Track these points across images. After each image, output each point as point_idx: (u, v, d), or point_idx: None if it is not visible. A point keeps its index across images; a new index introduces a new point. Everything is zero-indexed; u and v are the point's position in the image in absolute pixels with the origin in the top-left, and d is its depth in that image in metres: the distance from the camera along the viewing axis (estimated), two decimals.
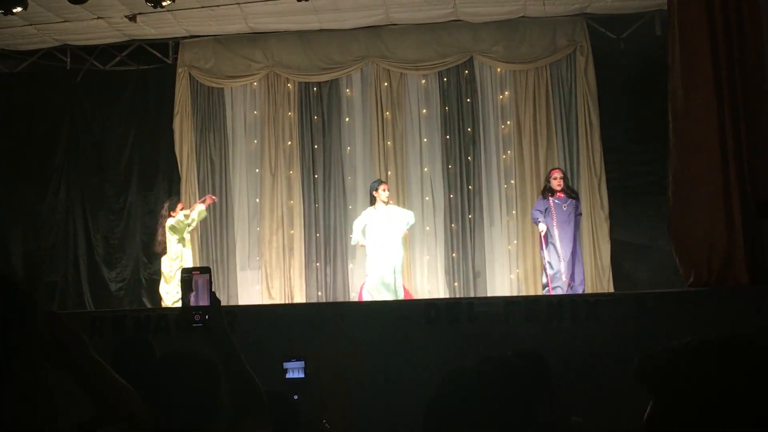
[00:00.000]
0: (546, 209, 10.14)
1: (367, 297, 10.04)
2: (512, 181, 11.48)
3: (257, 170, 11.93)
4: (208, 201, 10.91)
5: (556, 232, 10.01)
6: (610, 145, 11.27)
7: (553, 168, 10.72)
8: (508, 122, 11.57)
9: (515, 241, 11.39)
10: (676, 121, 8.13)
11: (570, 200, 10.14)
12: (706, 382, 1.51)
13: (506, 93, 11.63)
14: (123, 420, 1.97)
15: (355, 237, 10.28)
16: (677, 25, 8.05)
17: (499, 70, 11.67)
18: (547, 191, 10.23)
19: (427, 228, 11.56)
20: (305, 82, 11.95)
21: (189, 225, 10.58)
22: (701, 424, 1.48)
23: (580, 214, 10.35)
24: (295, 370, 3.99)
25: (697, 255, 8.00)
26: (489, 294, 11.34)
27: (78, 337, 1.89)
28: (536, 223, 10.24)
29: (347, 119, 11.92)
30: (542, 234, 10.07)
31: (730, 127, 7.81)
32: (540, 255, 10.59)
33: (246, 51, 11.94)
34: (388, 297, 9.80)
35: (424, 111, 11.76)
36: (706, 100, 7.86)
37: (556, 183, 10.17)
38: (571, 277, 9.92)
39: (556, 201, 10.09)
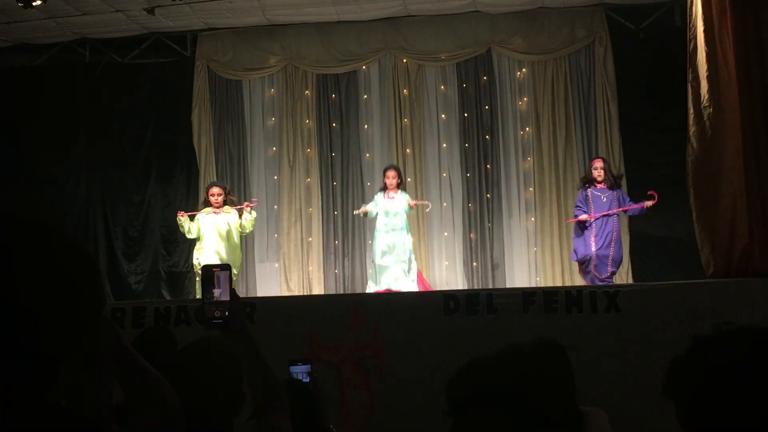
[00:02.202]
0: (585, 199, 9.81)
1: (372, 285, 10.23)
2: (529, 158, 11.48)
3: (274, 148, 11.94)
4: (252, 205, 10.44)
5: (592, 223, 9.69)
6: (629, 136, 11.21)
7: (595, 157, 10.45)
8: (525, 101, 11.53)
9: (533, 219, 11.37)
10: (697, 110, 8.10)
11: (610, 192, 9.74)
12: (729, 374, 1.50)
13: (524, 82, 11.59)
14: (155, 408, 1.99)
15: (366, 208, 10.43)
16: (701, 14, 8.01)
17: (518, 74, 11.62)
18: (587, 181, 9.91)
19: (444, 204, 11.57)
20: (323, 74, 11.96)
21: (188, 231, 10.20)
22: (730, 415, 1.48)
23: (632, 202, 9.80)
24: (300, 375, 3.99)
25: (718, 245, 7.98)
26: (507, 274, 11.38)
27: (110, 324, 1.91)
28: (578, 216, 9.91)
29: (365, 96, 11.94)
30: (580, 219, 9.78)
31: (751, 116, 7.77)
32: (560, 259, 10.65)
33: (264, 43, 11.95)
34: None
35: (442, 87, 11.75)
36: (728, 90, 7.83)
37: (597, 173, 9.79)
38: (607, 272, 9.57)
39: (596, 192, 9.77)
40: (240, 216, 10.16)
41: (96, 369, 1.62)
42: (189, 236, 10.18)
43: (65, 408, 1.34)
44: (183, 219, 10.07)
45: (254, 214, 10.29)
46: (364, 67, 11.90)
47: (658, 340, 6.97)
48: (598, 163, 9.94)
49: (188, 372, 2.67)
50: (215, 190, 10.18)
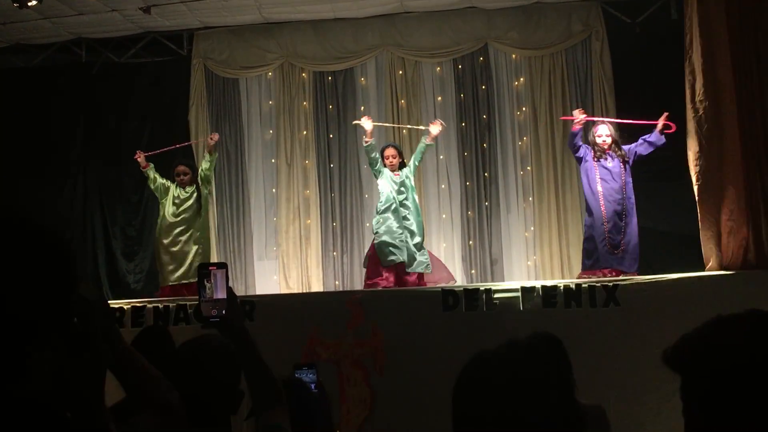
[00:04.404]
0: (587, 166, 8.86)
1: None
2: (528, 168, 11.38)
3: (273, 160, 11.90)
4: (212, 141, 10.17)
5: (600, 194, 8.72)
6: (627, 130, 11.19)
7: (597, 123, 9.21)
8: (524, 108, 11.49)
9: (532, 228, 11.32)
10: (694, 104, 8.10)
11: (616, 160, 8.79)
12: (730, 356, 1.50)
13: (521, 79, 11.55)
14: (156, 407, 1.98)
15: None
16: (696, 7, 8.01)
17: (514, 56, 11.60)
18: (593, 148, 8.88)
19: (444, 216, 11.52)
20: (320, 72, 11.93)
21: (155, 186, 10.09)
22: (731, 397, 1.47)
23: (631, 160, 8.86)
24: (306, 380, 3.95)
25: (718, 238, 7.99)
26: (504, 254, 11.31)
27: (108, 311, 1.90)
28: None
29: (362, 79, 11.89)
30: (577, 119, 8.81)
31: (749, 108, 7.77)
32: (558, 240, 10.55)
33: (260, 41, 11.93)
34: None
35: (439, 98, 11.70)
36: (725, 82, 7.83)
37: (602, 141, 8.82)
38: (621, 247, 8.70)
39: (599, 160, 8.83)
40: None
41: (83, 356, 1.60)
42: (151, 185, 10.15)
43: (34, 400, 1.31)
44: (141, 159, 10.07)
45: (215, 154, 10.19)
46: (362, 80, 11.85)
47: (658, 334, 6.97)
48: (604, 129, 8.90)
49: (186, 369, 2.67)
50: (181, 168, 10.03)
